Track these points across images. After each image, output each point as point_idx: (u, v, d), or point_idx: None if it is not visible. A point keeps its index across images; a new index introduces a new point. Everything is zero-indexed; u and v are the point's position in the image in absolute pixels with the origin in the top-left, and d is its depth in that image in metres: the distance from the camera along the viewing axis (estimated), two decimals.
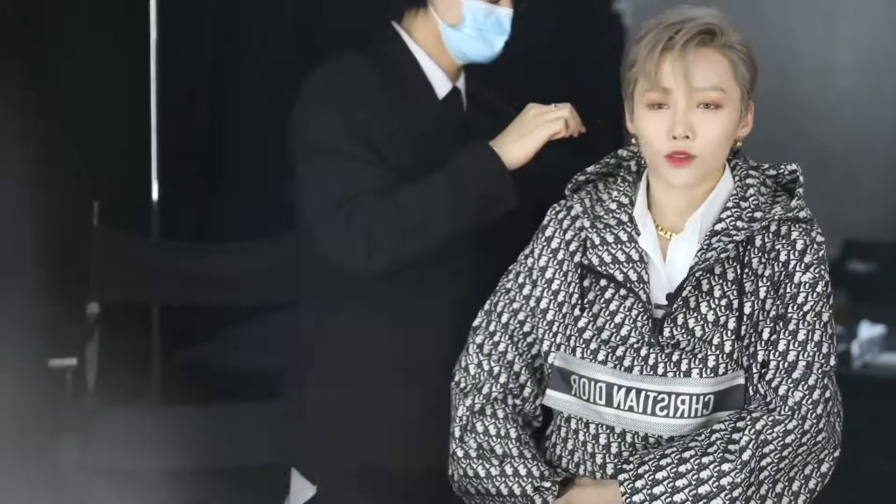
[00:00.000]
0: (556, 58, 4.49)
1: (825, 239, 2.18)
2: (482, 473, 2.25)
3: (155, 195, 4.02)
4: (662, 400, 2.11)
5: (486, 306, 2.32)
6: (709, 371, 2.11)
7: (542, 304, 2.26)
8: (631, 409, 2.13)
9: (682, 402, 2.11)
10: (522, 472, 2.22)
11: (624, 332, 2.15)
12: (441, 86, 2.53)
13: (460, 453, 2.27)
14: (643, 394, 2.12)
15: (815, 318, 2.14)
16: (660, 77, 2.11)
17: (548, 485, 2.20)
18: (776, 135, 5.12)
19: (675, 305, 2.13)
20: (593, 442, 2.19)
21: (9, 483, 2.67)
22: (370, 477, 2.53)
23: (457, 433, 2.28)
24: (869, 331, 4.88)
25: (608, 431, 2.17)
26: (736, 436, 2.09)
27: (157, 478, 3.46)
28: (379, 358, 2.52)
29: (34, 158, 3.04)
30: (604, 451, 2.18)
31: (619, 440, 2.17)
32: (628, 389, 2.12)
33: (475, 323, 2.33)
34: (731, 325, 2.13)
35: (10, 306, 3.00)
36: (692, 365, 2.11)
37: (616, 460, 2.16)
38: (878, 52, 5.57)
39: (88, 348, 3.49)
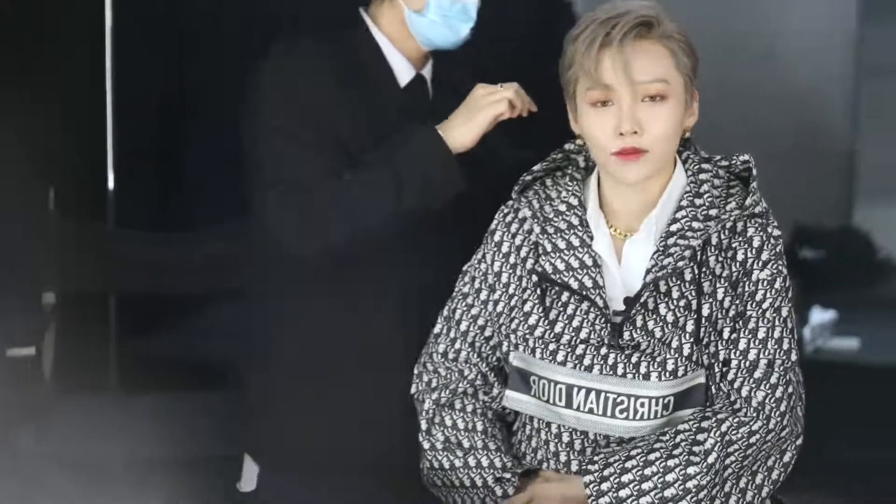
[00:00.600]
0: (525, 44, 4.48)
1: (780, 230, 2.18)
2: (447, 465, 2.23)
3: (111, 182, 3.98)
4: (622, 402, 2.10)
5: (445, 312, 2.29)
6: (668, 374, 2.09)
7: (499, 308, 2.23)
8: (591, 410, 2.10)
9: (642, 404, 2.09)
10: (485, 463, 2.20)
11: (583, 335, 2.12)
12: (403, 73, 2.50)
13: (427, 446, 2.25)
14: (602, 395, 2.10)
15: (774, 315, 2.13)
16: (600, 74, 2.07)
17: (508, 476, 2.19)
18: (722, 122, 5.13)
19: (634, 310, 2.11)
20: (556, 441, 2.17)
21: None
22: (318, 464, 2.51)
23: (423, 426, 2.26)
24: (820, 316, 4.92)
25: (570, 430, 2.15)
26: (701, 436, 2.08)
27: (115, 467, 3.45)
28: (327, 345, 2.49)
29: None
30: (567, 449, 2.17)
31: (583, 437, 2.15)
32: (588, 391, 2.10)
33: (436, 329, 2.30)
34: (690, 327, 2.11)
35: None
36: (651, 368, 2.09)
37: (581, 457, 2.15)
38: (823, 39, 5.59)
39: (46, 337, 3.45)
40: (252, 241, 2.57)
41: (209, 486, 3.40)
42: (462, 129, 2.34)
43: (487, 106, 2.34)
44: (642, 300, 2.10)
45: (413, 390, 2.30)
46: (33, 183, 3.50)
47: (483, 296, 2.24)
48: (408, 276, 2.45)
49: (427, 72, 2.52)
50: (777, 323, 2.12)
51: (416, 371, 2.31)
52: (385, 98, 2.47)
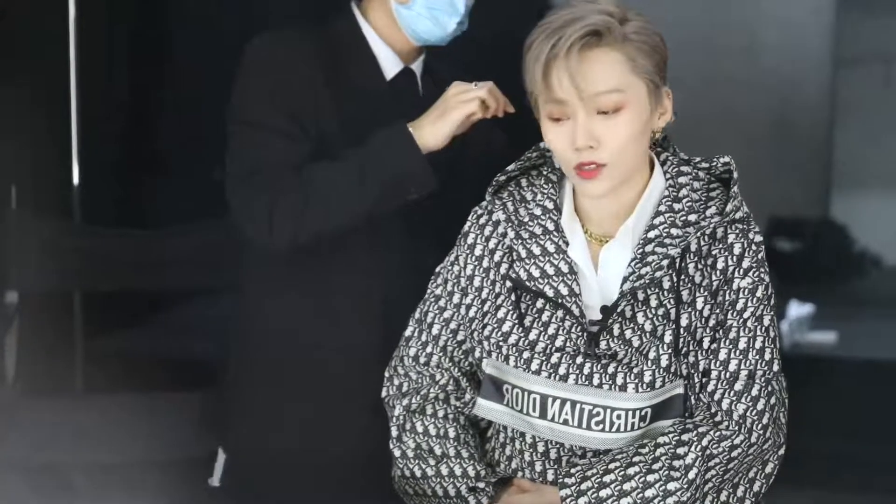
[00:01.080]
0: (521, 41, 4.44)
1: (762, 234, 2.13)
2: (419, 474, 2.18)
3: (76, 177, 3.91)
4: (598, 414, 2.04)
5: (417, 314, 2.24)
6: (645, 386, 2.03)
7: (472, 313, 2.17)
8: (565, 422, 2.05)
9: (618, 416, 2.04)
10: (458, 472, 2.15)
11: (559, 343, 2.07)
12: (390, 66, 2.47)
13: (397, 453, 2.20)
14: (578, 406, 2.04)
15: (755, 324, 2.08)
16: (550, 89, 2.00)
17: (482, 485, 2.14)
18: (701, 113, 5.12)
19: (611, 320, 2.06)
20: (531, 450, 2.13)
21: None
22: (291, 461, 2.49)
23: (394, 433, 2.21)
24: (797, 310, 4.90)
25: (546, 439, 2.11)
26: (681, 450, 2.03)
27: (78, 471, 3.39)
28: (301, 340, 2.48)
29: None
30: (543, 459, 2.12)
31: (558, 447, 2.10)
32: (563, 401, 2.05)
33: (407, 332, 2.25)
34: (668, 338, 2.05)
35: None
36: (628, 379, 2.03)
37: (556, 466, 2.10)
38: (802, 30, 5.58)
39: (7, 338, 3.39)
40: (231, 234, 2.54)
41: (178, 487, 3.36)
42: (432, 128, 2.30)
43: (459, 105, 2.29)
44: (619, 309, 2.03)
45: (384, 394, 2.25)
46: None
47: (456, 299, 2.18)
48: (381, 273, 2.43)
49: (417, 66, 2.49)
50: (759, 332, 2.06)
51: (386, 374, 2.25)
52: (369, 90, 2.44)
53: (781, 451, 2.13)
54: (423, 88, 2.51)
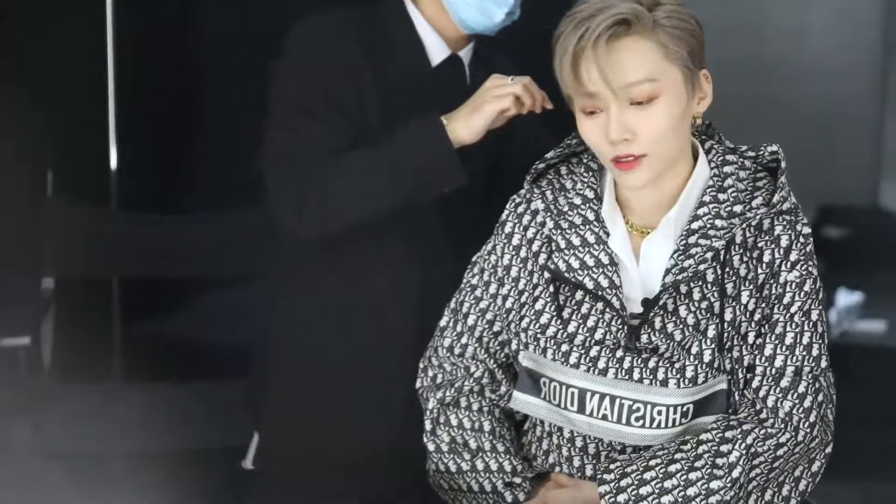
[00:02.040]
0: None
1: (810, 226, 2.07)
2: (453, 468, 2.14)
3: (113, 163, 3.90)
4: (638, 410, 1.99)
5: (452, 304, 2.20)
6: (687, 381, 1.98)
7: (509, 304, 2.13)
8: (604, 417, 2.00)
9: (659, 412, 1.99)
10: (494, 467, 2.12)
11: (598, 336, 2.02)
12: (436, 52, 2.44)
13: (431, 447, 2.17)
14: (617, 402, 1.99)
15: (803, 319, 2.02)
16: (580, 83, 1.95)
17: (518, 481, 2.10)
18: (748, 97, 5.07)
19: (652, 313, 2.01)
20: (569, 445, 2.08)
21: None
22: (323, 447, 2.49)
23: (428, 426, 2.18)
24: (846, 298, 4.84)
25: (584, 435, 2.06)
26: (724, 448, 1.97)
27: (116, 461, 3.39)
28: (336, 327, 2.47)
29: None
30: (581, 454, 2.07)
31: (597, 441, 2.05)
32: (602, 396, 2.00)
33: (442, 322, 2.21)
34: (711, 332, 2.00)
35: None
36: (669, 374, 1.98)
37: (595, 461, 2.06)
38: (850, 13, 5.53)
39: (43, 326, 3.39)
40: (267, 220, 2.56)
41: (215, 476, 3.35)
42: (465, 122, 2.26)
43: (492, 99, 2.25)
44: (661, 302, 1.97)
45: (418, 385, 2.22)
46: (30, 166, 3.44)
47: (492, 289, 2.13)
48: (418, 262, 2.41)
49: (465, 54, 2.45)
50: (806, 328, 2.00)
51: (421, 365, 2.22)
52: (413, 75, 2.41)
53: (829, 450, 2.08)
54: (470, 77, 2.47)
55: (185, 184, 4.17)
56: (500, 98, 2.25)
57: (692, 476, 1.96)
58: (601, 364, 2.00)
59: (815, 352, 2.02)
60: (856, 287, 4.91)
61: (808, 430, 2.01)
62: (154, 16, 4.11)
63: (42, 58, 3.73)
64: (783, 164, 2.05)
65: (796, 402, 2.00)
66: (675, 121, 1.97)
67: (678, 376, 1.98)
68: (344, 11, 2.45)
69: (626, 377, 1.99)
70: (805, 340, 2.02)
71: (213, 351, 3.83)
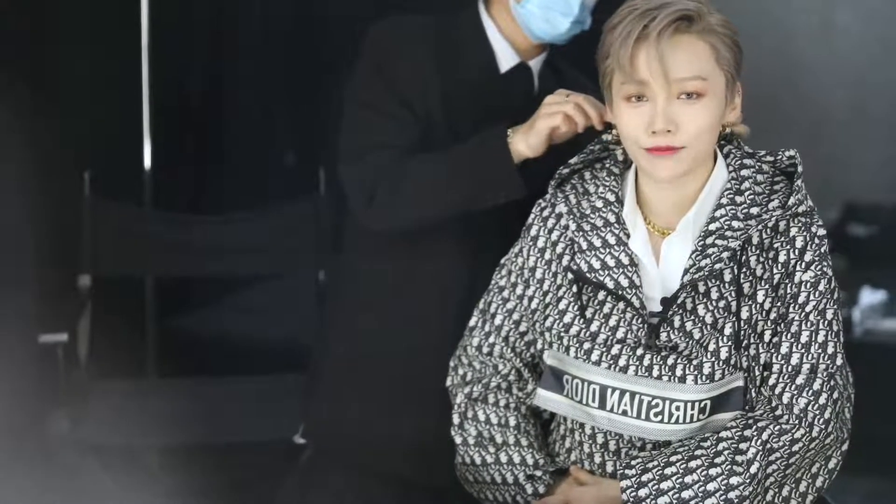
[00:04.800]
0: None
1: (827, 216, 2.10)
2: (478, 461, 2.20)
3: (147, 163, 3.95)
4: (657, 405, 2.04)
5: (481, 305, 2.26)
6: (704, 378, 2.03)
7: (534, 304, 2.19)
8: (624, 412, 2.06)
9: (677, 408, 2.04)
10: (517, 460, 2.17)
11: (620, 334, 2.07)
12: (506, 60, 2.48)
13: (458, 440, 2.23)
14: (637, 398, 2.05)
15: (818, 318, 2.06)
16: (635, 69, 2.00)
17: (539, 473, 2.16)
18: (774, 95, 5.07)
19: (671, 311, 2.06)
20: (590, 442, 2.13)
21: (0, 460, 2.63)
22: (368, 438, 2.52)
23: (455, 420, 2.24)
24: (870, 297, 4.84)
25: (605, 431, 2.11)
26: (743, 445, 2.02)
27: (152, 454, 3.44)
28: (386, 324, 2.52)
29: (22, 129, 2.99)
30: (602, 451, 2.12)
31: (617, 438, 2.10)
32: (622, 392, 2.05)
33: (471, 322, 2.27)
34: (728, 330, 2.04)
35: None
36: (687, 371, 2.03)
37: (615, 457, 2.11)
38: (877, 10, 5.51)
39: (80, 322, 3.44)
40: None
41: (246, 469, 3.39)
42: (524, 137, 2.29)
43: (544, 117, 2.27)
44: (679, 301, 2.03)
45: (448, 383, 2.28)
46: (67, 165, 3.49)
47: (519, 290, 2.19)
48: (470, 266, 2.45)
49: (535, 63, 2.48)
50: (821, 326, 2.05)
51: (451, 364, 2.28)
52: (481, 81, 2.45)
53: (845, 447, 2.11)
54: (539, 86, 2.50)
55: (217, 184, 4.20)
56: (551, 116, 2.26)
57: (712, 471, 2.01)
58: (622, 362, 2.05)
59: (830, 350, 2.06)
60: (880, 285, 4.91)
61: (823, 427, 2.05)
62: (188, 18, 4.15)
63: (77, 62, 3.77)
64: (800, 169, 2.10)
65: (811, 398, 2.05)
66: (714, 121, 2.04)
67: (696, 373, 2.03)
68: (419, 16, 2.51)
69: (646, 374, 2.04)
70: (820, 339, 2.06)
71: (245, 347, 3.88)
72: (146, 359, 3.96)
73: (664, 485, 2.01)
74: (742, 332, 2.05)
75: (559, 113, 2.25)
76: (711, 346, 2.04)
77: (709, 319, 2.05)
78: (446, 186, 2.34)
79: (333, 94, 2.72)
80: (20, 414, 2.86)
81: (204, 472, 3.11)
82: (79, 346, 3.41)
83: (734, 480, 2.01)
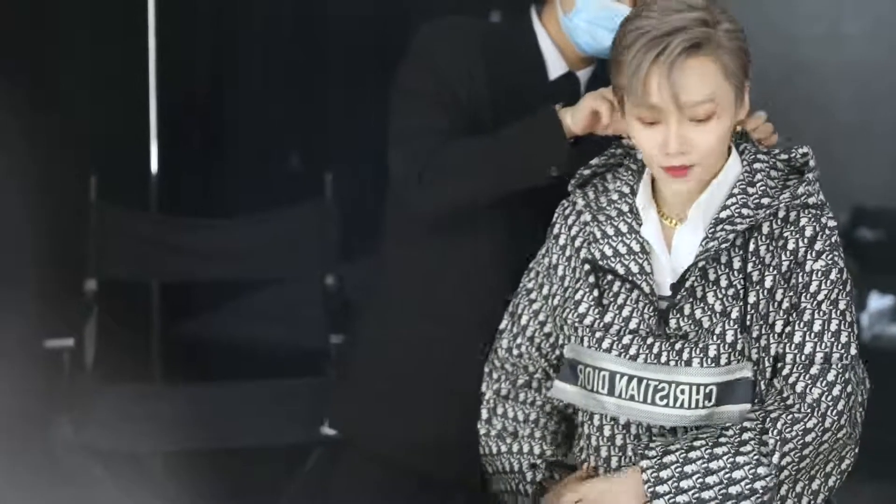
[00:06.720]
0: None
1: (836, 219, 2.10)
2: (495, 451, 2.26)
3: (154, 169, 3.96)
4: (662, 389, 2.05)
5: (510, 308, 2.29)
6: (709, 361, 2.04)
7: (556, 301, 2.21)
8: (631, 398, 2.07)
9: (682, 391, 2.05)
10: (525, 449, 2.23)
11: (633, 325, 2.09)
12: (555, 68, 2.50)
13: (483, 431, 2.28)
14: (644, 382, 2.06)
15: (830, 307, 2.05)
16: (648, 95, 2.01)
17: (540, 462, 2.20)
18: (782, 101, 5.06)
19: (680, 296, 2.07)
20: (597, 434, 2.15)
21: (4, 465, 2.63)
22: (397, 434, 2.52)
23: (483, 415, 2.29)
24: (878, 302, 4.83)
25: (612, 423, 2.12)
26: (765, 437, 2.02)
27: (156, 459, 3.44)
28: (422, 322, 2.52)
29: (29, 132, 2.99)
30: (608, 444, 2.13)
31: (624, 432, 2.11)
32: (630, 378, 2.07)
33: (501, 325, 2.30)
34: (735, 314, 2.05)
35: (5, 285, 2.95)
36: (693, 354, 2.04)
37: (621, 453, 2.12)
38: (884, 17, 5.51)
39: (86, 327, 3.44)
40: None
41: (250, 474, 3.40)
42: (570, 111, 2.32)
43: (592, 97, 2.30)
44: (687, 285, 2.05)
45: (483, 388, 2.32)
46: (73, 170, 3.50)
47: (544, 290, 2.24)
48: (509, 264, 2.43)
49: (583, 74, 2.51)
50: (834, 315, 2.05)
51: (486, 370, 2.33)
52: (529, 85, 2.48)
53: (857, 449, 2.11)
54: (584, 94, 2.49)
55: (223, 188, 4.21)
56: (597, 98, 2.29)
57: (739, 459, 2.01)
58: (632, 351, 2.07)
59: (843, 339, 2.06)
60: (888, 290, 4.91)
61: (836, 418, 2.04)
62: (194, 21, 4.16)
63: (84, 66, 3.78)
64: (812, 163, 2.11)
65: (825, 389, 2.04)
66: (725, 134, 2.06)
67: (701, 356, 2.04)
68: (472, 18, 2.55)
69: (655, 361, 2.06)
70: (833, 327, 2.05)
71: (251, 351, 3.88)
72: (151, 363, 3.97)
73: (688, 468, 2.02)
74: (749, 317, 2.05)
75: (606, 101, 2.28)
76: (717, 330, 2.05)
77: (718, 307, 2.06)
78: (496, 159, 2.37)
79: (341, 99, 2.71)
80: (26, 418, 2.87)
81: (209, 476, 3.12)
82: (85, 351, 3.42)
83: (762, 470, 2.01)
